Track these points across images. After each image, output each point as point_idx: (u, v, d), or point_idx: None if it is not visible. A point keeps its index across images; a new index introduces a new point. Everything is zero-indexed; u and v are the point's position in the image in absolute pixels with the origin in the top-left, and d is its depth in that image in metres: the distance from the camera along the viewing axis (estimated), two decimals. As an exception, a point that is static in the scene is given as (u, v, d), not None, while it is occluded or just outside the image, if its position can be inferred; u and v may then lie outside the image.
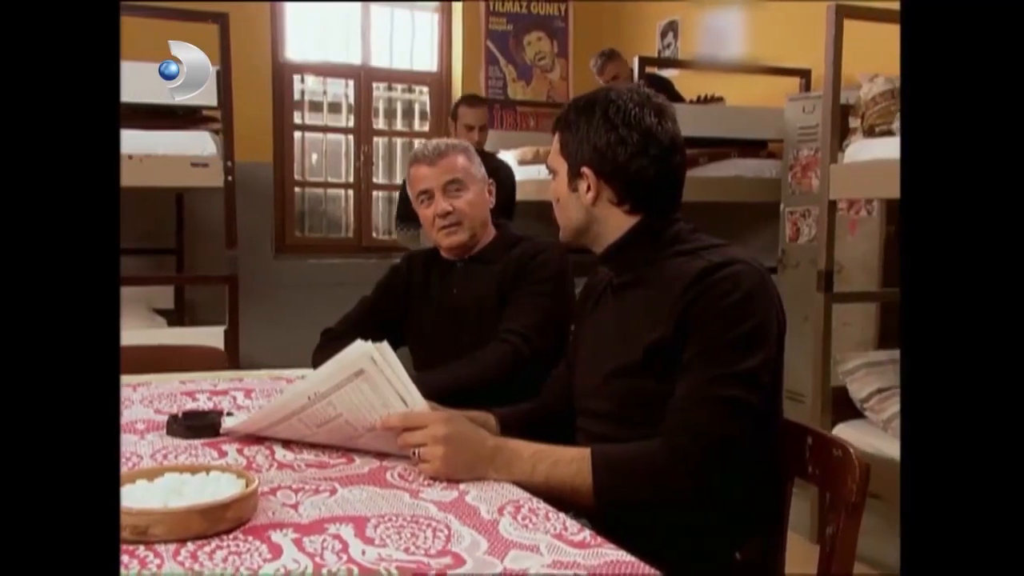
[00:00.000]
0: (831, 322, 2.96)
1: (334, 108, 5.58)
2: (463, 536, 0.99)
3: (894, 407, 2.79)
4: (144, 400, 1.66)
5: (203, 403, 1.66)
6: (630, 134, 1.33)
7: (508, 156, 4.51)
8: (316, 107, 5.54)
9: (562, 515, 1.07)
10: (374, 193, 5.64)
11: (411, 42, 5.71)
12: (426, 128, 5.75)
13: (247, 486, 1.05)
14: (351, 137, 5.57)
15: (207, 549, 0.94)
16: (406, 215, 3.84)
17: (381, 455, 1.30)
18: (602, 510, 1.19)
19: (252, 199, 4.79)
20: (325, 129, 5.57)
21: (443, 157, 1.93)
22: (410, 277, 2.06)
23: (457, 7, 5.65)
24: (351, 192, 5.60)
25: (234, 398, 1.70)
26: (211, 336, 3.31)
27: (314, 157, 5.56)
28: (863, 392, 2.88)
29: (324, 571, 0.89)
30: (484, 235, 1.99)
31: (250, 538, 0.97)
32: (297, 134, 5.43)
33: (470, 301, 1.94)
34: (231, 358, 2.99)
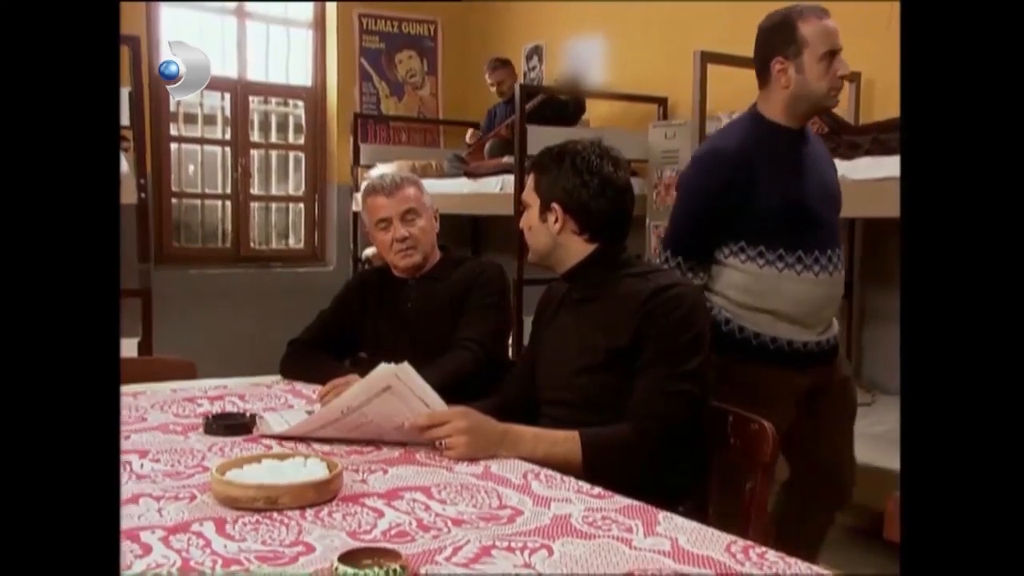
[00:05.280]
0: (700, 324, 3.42)
1: (210, 120, 5.67)
2: (510, 496, 1.31)
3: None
4: (155, 406, 1.87)
5: (206, 407, 1.88)
6: (592, 179, 1.70)
7: (387, 169, 4.76)
8: (192, 119, 5.61)
9: (570, 477, 1.41)
10: (252, 204, 5.76)
11: (287, 57, 5.86)
12: (301, 141, 5.92)
13: (330, 469, 1.33)
14: (227, 149, 5.67)
15: (324, 513, 1.22)
16: None
17: (401, 443, 1.59)
18: (588, 478, 1.53)
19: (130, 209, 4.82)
20: (201, 141, 5.65)
21: (399, 189, 2.22)
22: (364, 292, 2.34)
23: (331, 25, 5.85)
24: (228, 203, 5.69)
25: (233, 403, 1.93)
26: (125, 348, 3.42)
27: (191, 168, 5.63)
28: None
29: (425, 521, 1.19)
30: (432, 256, 2.29)
31: (349, 504, 1.26)
32: (173, 146, 5.48)
33: (424, 314, 2.24)
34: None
